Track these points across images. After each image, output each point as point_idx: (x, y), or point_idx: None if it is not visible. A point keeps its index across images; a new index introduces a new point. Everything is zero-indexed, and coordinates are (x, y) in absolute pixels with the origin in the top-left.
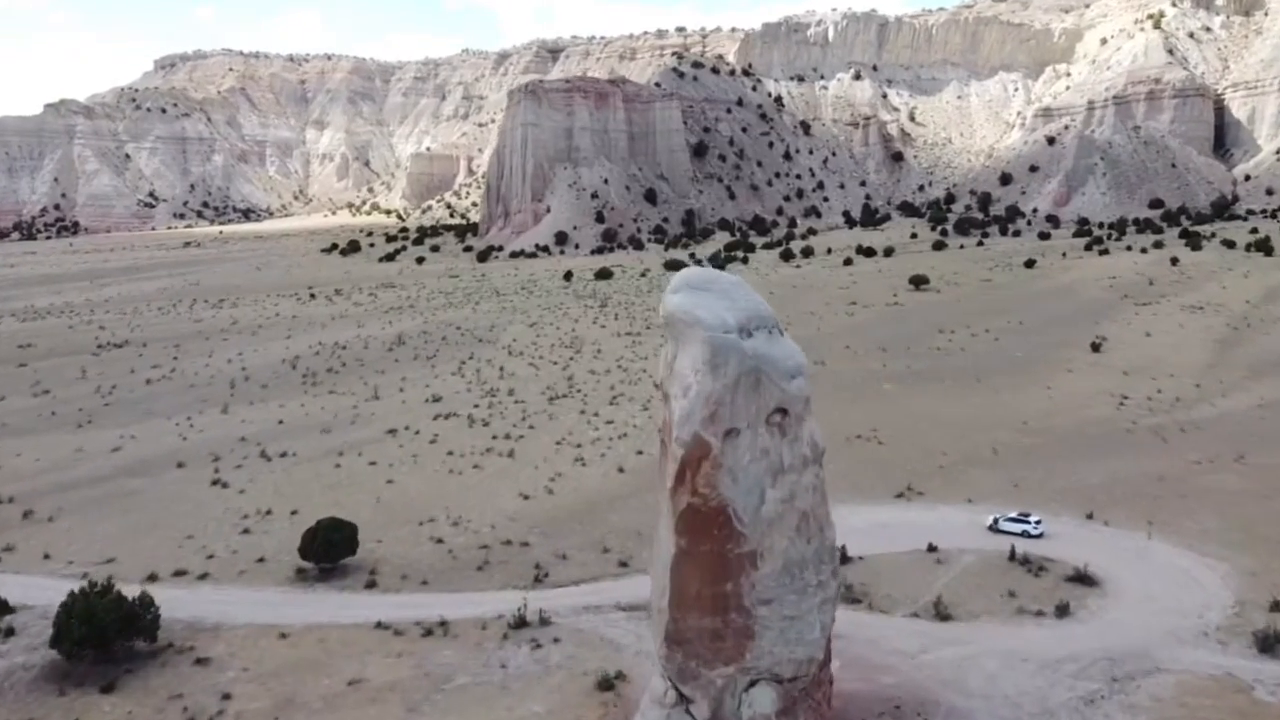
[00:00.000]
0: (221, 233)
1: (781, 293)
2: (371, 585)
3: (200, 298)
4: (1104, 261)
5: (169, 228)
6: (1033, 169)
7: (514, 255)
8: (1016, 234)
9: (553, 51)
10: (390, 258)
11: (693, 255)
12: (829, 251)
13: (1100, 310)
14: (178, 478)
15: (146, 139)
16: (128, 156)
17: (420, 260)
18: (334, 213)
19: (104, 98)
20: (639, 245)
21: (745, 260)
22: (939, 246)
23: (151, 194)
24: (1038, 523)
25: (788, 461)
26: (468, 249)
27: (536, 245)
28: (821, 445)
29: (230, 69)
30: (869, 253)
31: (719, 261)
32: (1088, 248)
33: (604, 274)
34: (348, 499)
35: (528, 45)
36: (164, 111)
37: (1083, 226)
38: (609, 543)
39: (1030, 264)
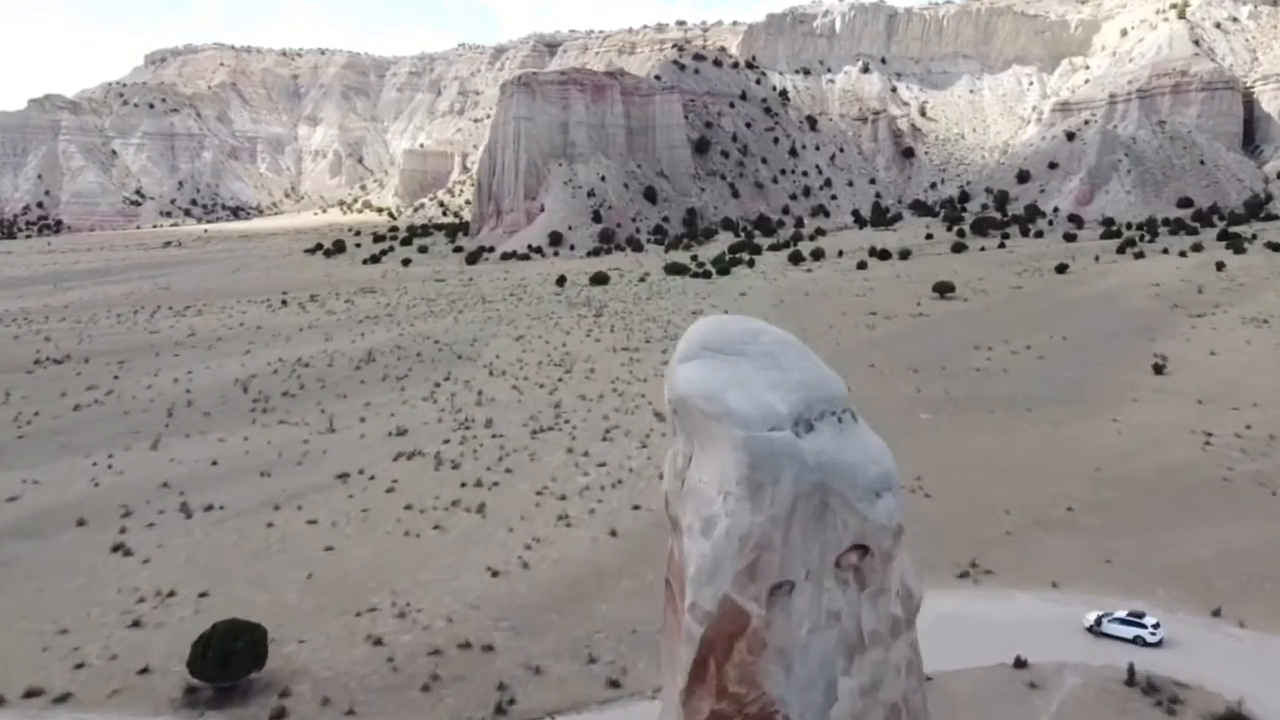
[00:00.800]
0: (206, 231)
1: (793, 300)
2: (280, 716)
3: (166, 304)
4: (1141, 266)
5: (154, 226)
6: (1052, 166)
7: (505, 257)
8: (1039, 235)
9: (550, 46)
10: (375, 260)
11: (694, 258)
12: (840, 254)
13: (1151, 323)
14: (74, 540)
15: (134, 135)
16: (114, 153)
17: (406, 263)
18: (324, 210)
19: (93, 93)
20: (638, 247)
21: (751, 264)
22: (959, 249)
23: (138, 191)
24: (1155, 626)
25: (869, 628)
26: (457, 250)
27: (529, 246)
28: (918, 594)
29: (222, 64)
30: (884, 255)
31: (723, 265)
32: (1120, 250)
33: (599, 279)
34: (273, 574)
35: (525, 39)
36: (152, 107)
37: (1111, 228)
38: (596, 648)
39: (1062, 269)
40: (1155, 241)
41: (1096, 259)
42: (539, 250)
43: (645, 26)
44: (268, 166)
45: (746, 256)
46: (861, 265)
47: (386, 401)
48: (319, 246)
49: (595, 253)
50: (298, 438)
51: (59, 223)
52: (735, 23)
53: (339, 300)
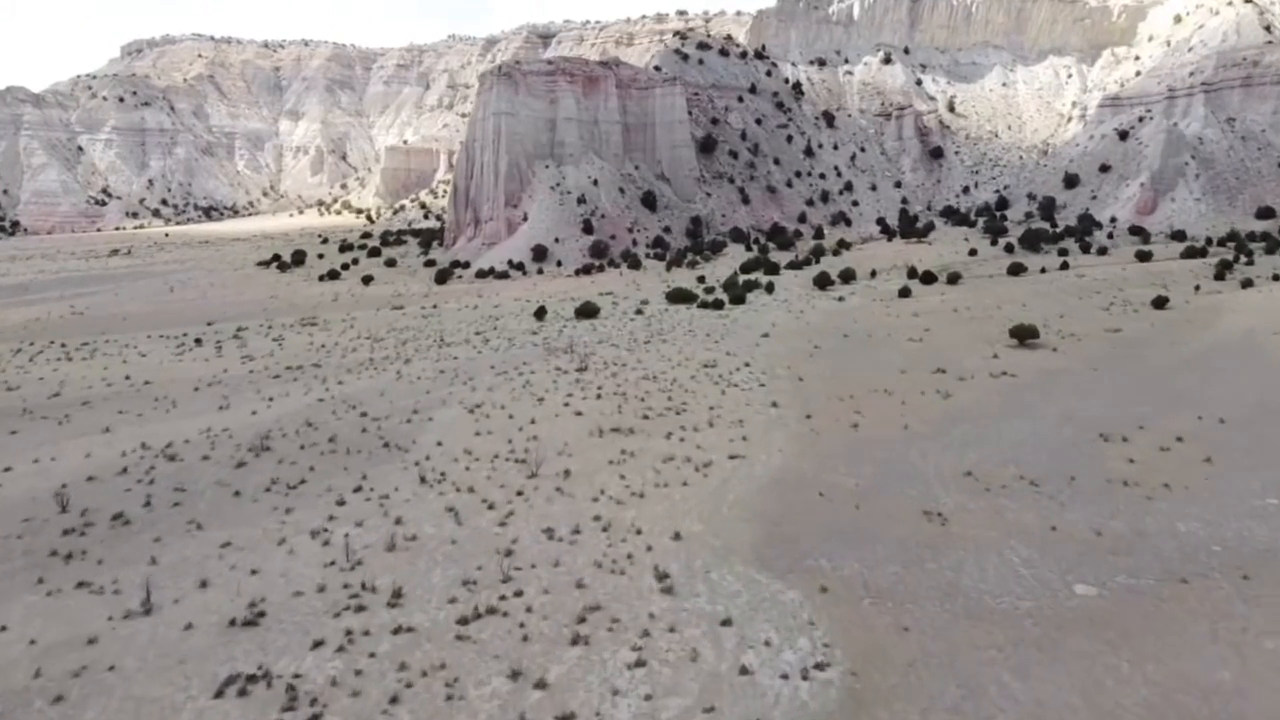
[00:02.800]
0: (167, 235)
1: (830, 346)
2: None
3: (61, 339)
4: (1256, 299)
5: (117, 228)
6: (1103, 169)
7: (481, 275)
8: (1102, 251)
9: (543, 37)
10: (334, 275)
11: (701, 279)
12: (873, 275)
13: None
14: None
15: (101, 130)
16: (80, 149)
17: (367, 280)
18: (301, 212)
19: (60, 86)
20: (635, 263)
21: (770, 288)
22: (1016, 270)
23: (104, 190)
24: None
25: None
26: (430, 264)
27: (509, 262)
28: None
29: (199, 55)
30: (928, 278)
31: (737, 291)
32: (1219, 276)
33: (587, 311)
34: None
35: (517, 30)
36: (121, 100)
37: (1190, 243)
38: None
39: (1161, 303)
40: (1252, 263)
41: (1197, 288)
42: (520, 267)
43: (644, 16)
44: (246, 164)
45: (763, 278)
46: (904, 293)
47: (256, 537)
48: (275, 259)
49: (586, 270)
50: (85, 628)
51: (16, 224)
52: (739, 13)
53: (267, 337)
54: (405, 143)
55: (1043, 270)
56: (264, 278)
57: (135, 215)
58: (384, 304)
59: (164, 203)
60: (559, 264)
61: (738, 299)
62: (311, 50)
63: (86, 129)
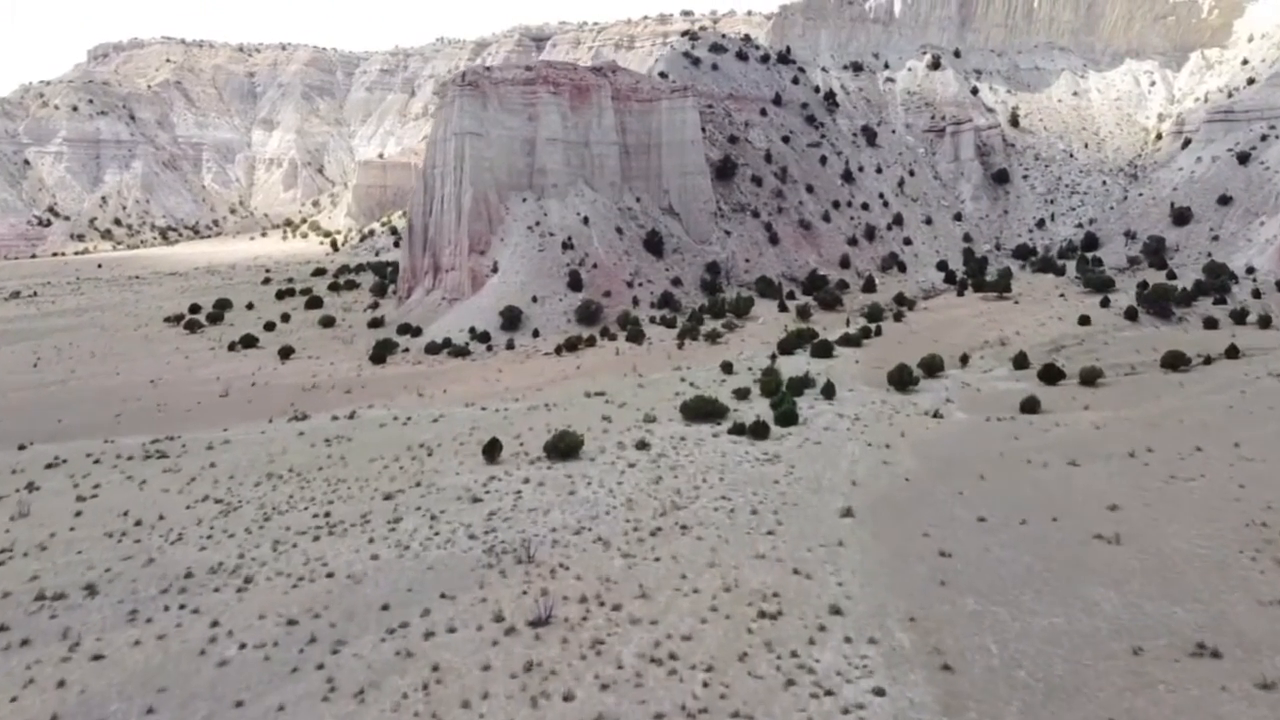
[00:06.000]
0: (100, 266)
1: (965, 550)
2: None
3: None
4: None
5: (55, 254)
6: (1223, 201)
7: (433, 349)
8: (1265, 322)
9: (537, 40)
10: (250, 342)
11: (728, 369)
12: (964, 361)
13: None
14: None
15: (51, 142)
16: (27, 163)
17: (286, 354)
18: (265, 234)
19: (12, 94)
20: (636, 333)
21: (829, 391)
22: (1174, 361)
23: (51, 209)
24: None
25: None
26: (376, 322)
27: (471, 331)
28: None
29: (168, 59)
30: (1050, 375)
31: (781, 400)
32: None
33: (564, 447)
34: None
35: (509, 32)
36: (75, 109)
37: None
38: None
39: None
40: None
41: None
42: (485, 338)
43: (646, 18)
44: (213, 177)
45: (814, 367)
46: (1031, 406)
47: None
48: (193, 311)
49: (571, 345)
50: None
51: None
52: (750, 12)
53: (76, 489)
54: (381, 156)
55: (1207, 360)
56: (162, 343)
57: (81, 238)
58: (287, 404)
59: (117, 222)
60: (536, 334)
61: (786, 416)
62: (289, 54)
63: (35, 140)
